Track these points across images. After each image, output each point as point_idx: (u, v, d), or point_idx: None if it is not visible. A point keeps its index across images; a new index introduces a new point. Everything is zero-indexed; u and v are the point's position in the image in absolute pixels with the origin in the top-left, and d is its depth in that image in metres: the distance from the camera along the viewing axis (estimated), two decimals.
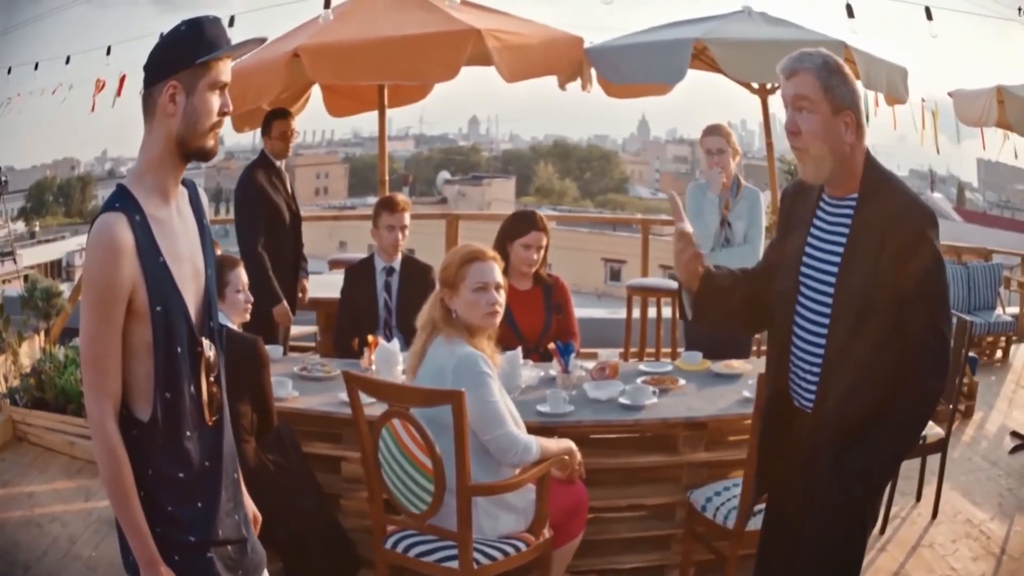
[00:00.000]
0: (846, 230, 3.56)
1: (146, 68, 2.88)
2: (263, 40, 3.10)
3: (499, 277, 4.66)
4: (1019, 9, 12.08)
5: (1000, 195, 69.12)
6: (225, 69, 2.87)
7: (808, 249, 3.68)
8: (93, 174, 79.03)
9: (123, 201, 2.81)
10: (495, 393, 4.45)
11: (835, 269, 3.56)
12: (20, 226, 53.63)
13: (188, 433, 2.90)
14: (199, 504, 2.93)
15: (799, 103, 3.49)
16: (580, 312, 7.00)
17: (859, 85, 3.65)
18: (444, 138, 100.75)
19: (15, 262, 21.34)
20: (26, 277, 12.16)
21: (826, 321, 3.58)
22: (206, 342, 2.95)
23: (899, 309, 3.44)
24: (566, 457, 4.67)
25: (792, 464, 3.77)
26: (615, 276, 44.61)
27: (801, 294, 3.68)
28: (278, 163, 7.74)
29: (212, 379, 2.97)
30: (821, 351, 3.61)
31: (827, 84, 3.46)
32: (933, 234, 3.47)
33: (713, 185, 7.08)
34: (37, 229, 54.41)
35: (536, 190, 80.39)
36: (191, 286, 2.94)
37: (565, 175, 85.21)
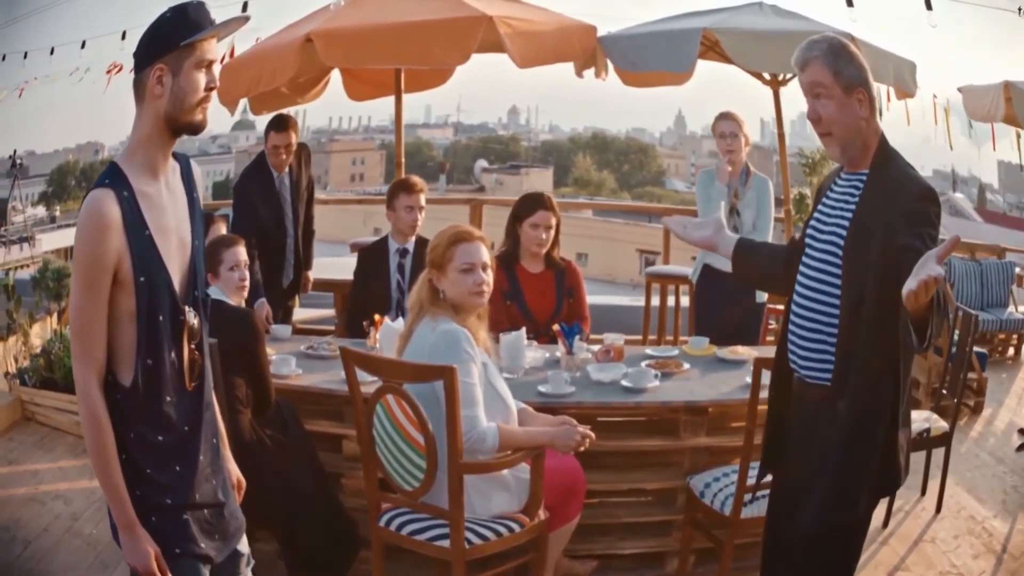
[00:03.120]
0: (853, 203, 3.65)
1: (135, 55, 3.00)
2: (246, 19, 3.19)
3: (486, 257, 4.65)
4: (1019, 9, 12.05)
5: (1020, 197, 69.02)
6: (210, 48, 2.99)
7: (813, 223, 3.81)
8: (117, 157, 79.30)
9: (112, 178, 2.92)
10: (472, 374, 4.42)
11: (840, 240, 3.64)
12: (40, 210, 53.86)
13: (168, 398, 2.98)
14: (177, 467, 3.00)
15: (815, 90, 3.63)
16: (601, 299, 7.01)
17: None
18: (484, 127, 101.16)
19: (32, 247, 21.43)
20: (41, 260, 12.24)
21: (825, 290, 3.68)
22: (189, 310, 3.03)
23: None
24: (548, 441, 4.55)
25: (795, 437, 3.85)
26: (650, 266, 44.47)
27: (804, 264, 3.78)
28: (276, 173, 7.67)
29: (194, 346, 3.04)
30: (817, 323, 3.71)
31: (836, 68, 3.58)
32: (934, 210, 3.54)
33: (721, 175, 7.10)
34: (58, 214, 54.55)
35: (574, 181, 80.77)
36: (176, 257, 3.02)
37: (603, 167, 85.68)
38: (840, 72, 3.58)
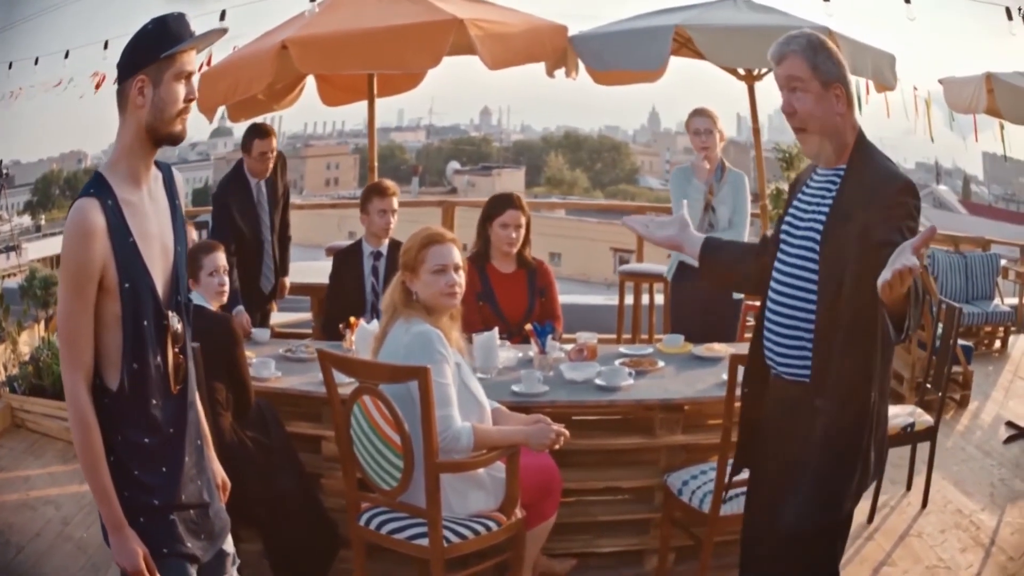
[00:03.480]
0: (830, 198, 3.64)
1: (118, 66, 3.07)
2: (224, 31, 3.27)
3: (458, 259, 4.71)
4: (1007, 10, 12.09)
5: (1006, 188, 68.97)
6: (189, 60, 3.07)
7: (788, 219, 3.80)
8: (100, 166, 78.84)
9: (97, 187, 3.00)
10: (445, 375, 4.47)
11: (817, 236, 3.63)
12: (26, 220, 53.62)
13: (154, 401, 3.06)
14: (163, 469, 3.08)
15: (792, 84, 3.63)
16: (574, 298, 7.07)
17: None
18: (455, 129, 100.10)
19: (19, 256, 21.39)
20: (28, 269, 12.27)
21: (802, 286, 3.67)
22: (173, 315, 3.12)
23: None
24: (523, 440, 4.61)
25: (772, 433, 3.86)
26: (624, 265, 44.30)
27: (780, 261, 3.78)
28: (255, 180, 7.77)
29: (177, 350, 3.12)
30: (794, 319, 3.70)
31: (814, 62, 3.59)
32: (913, 203, 3.53)
33: (699, 172, 7.12)
34: (43, 222, 54.28)
35: (547, 180, 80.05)
36: (159, 263, 3.10)
37: (576, 166, 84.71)
38: (818, 67, 3.58)
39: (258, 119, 8.56)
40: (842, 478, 3.67)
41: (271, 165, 7.75)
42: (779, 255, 3.79)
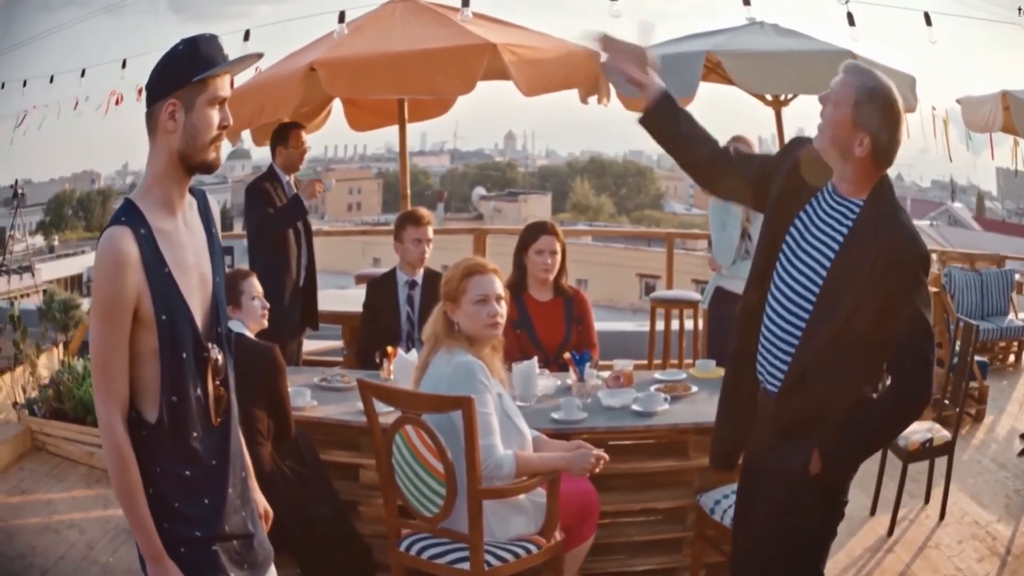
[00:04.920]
0: (844, 231, 3.60)
1: (147, 87, 3.01)
2: (260, 56, 3.22)
3: (499, 289, 4.72)
4: (1019, 9, 12.09)
5: (1019, 204, 69.14)
6: (223, 85, 3.00)
7: (794, 232, 3.72)
8: (114, 187, 79.14)
9: (128, 215, 2.93)
10: (488, 404, 4.49)
11: (826, 262, 3.60)
12: (39, 240, 53.79)
13: (195, 433, 3.00)
14: (205, 501, 3.03)
15: (830, 96, 3.61)
16: (607, 325, 7.06)
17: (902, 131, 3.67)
18: (480, 153, 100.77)
19: (33, 276, 21.43)
20: (45, 291, 12.28)
21: (805, 306, 3.63)
22: (213, 347, 3.05)
23: (881, 332, 3.53)
24: (565, 465, 4.62)
25: (760, 446, 3.85)
26: (650, 291, 44.48)
27: (779, 278, 3.73)
28: (287, 178, 7.69)
29: (218, 382, 3.06)
30: (789, 334, 3.67)
31: (858, 100, 3.55)
32: (924, 276, 3.57)
33: None
34: (56, 243, 54.42)
35: (572, 206, 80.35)
36: (198, 294, 3.04)
37: (601, 191, 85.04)
38: (860, 106, 3.54)
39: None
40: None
41: (304, 158, 7.74)
42: (779, 271, 3.73)
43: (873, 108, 3.54)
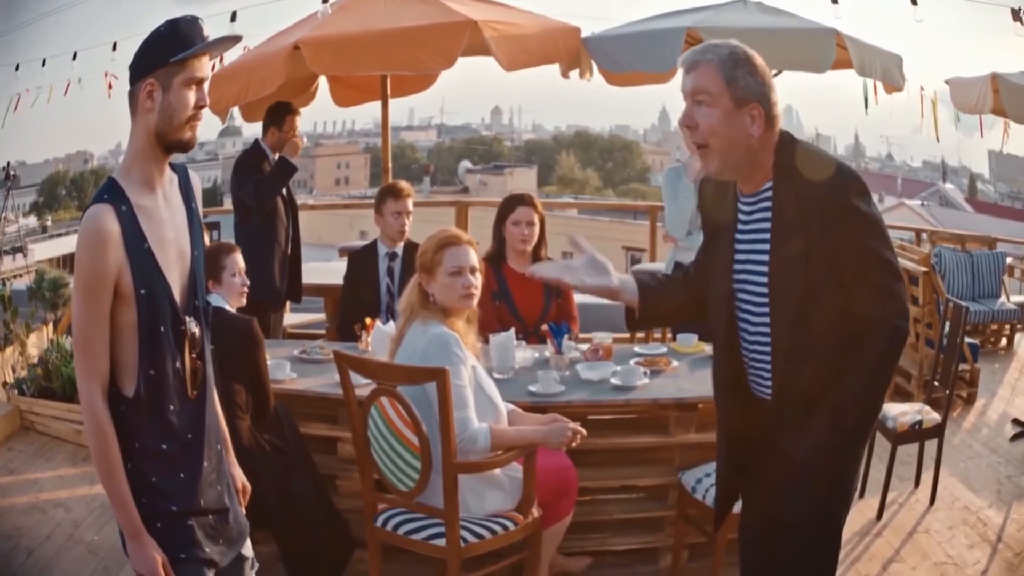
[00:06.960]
0: (767, 224, 3.42)
1: (129, 68, 3.03)
2: (238, 38, 3.28)
3: (474, 260, 4.74)
4: (1012, 11, 12.09)
5: (1011, 186, 69.07)
6: (200, 66, 3.01)
7: (737, 255, 3.56)
8: (107, 167, 78.73)
9: (110, 192, 2.96)
10: (462, 377, 4.49)
11: (765, 268, 3.43)
12: (32, 221, 53.70)
13: (172, 407, 3.02)
14: (181, 475, 3.05)
15: (698, 96, 3.35)
16: (587, 297, 7.05)
17: (770, 80, 3.39)
18: (467, 128, 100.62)
19: (25, 257, 21.44)
20: (36, 271, 12.28)
21: (761, 317, 3.49)
22: (190, 320, 3.08)
23: (840, 287, 3.33)
24: (540, 439, 4.60)
25: (761, 455, 3.69)
26: (635, 264, 44.20)
27: (740, 296, 3.57)
28: (273, 156, 7.80)
29: (195, 355, 3.09)
30: (761, 343, 3.53)
31: (730, 76, 3.30)
32: (862, 202, 3.32)
33: (689, 171, 7.06)
34: (49, 223, 54.36)
35: (558, 179, 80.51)
36: (176, 268, 3.07)
37: (587, 165, 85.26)
38: (734, 81, 3.29)
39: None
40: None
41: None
42: (736, 292, 3.57)
43: (745, 72, 3.31)
